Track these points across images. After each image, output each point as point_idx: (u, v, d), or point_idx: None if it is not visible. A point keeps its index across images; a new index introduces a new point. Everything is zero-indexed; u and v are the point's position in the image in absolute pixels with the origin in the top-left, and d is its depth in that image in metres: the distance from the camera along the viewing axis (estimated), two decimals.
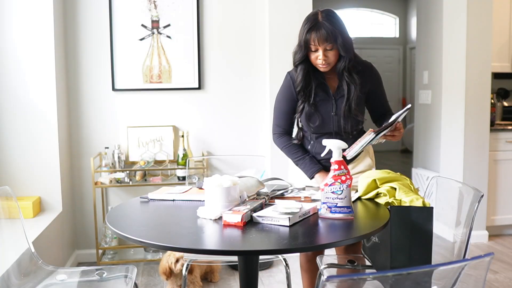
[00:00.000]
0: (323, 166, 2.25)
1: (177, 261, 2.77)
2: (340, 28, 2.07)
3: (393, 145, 9.74)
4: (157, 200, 2.02)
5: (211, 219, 1.71)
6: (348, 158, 2.00)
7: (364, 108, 2.28)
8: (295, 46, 2.16)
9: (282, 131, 2.33)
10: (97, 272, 2.07)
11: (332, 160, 1.75)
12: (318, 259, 2.21)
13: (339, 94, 2.19)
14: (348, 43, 2.10)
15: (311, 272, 2.45)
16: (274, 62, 3.53)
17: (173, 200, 2.01)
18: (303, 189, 2.18)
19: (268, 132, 3.59)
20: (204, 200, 1.84)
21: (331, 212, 1.71)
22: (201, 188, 2.08)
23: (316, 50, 2.08)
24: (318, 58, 2.08)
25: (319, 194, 1.87)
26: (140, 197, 2.05)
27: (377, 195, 1.97)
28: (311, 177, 2.26)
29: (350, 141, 2.11)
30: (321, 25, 2.03)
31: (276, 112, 2.34)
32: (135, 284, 2.00)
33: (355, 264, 2.19)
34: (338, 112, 2.18)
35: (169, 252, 2.87)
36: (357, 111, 2.17)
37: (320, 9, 2.12)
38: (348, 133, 2.23)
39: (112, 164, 3.43)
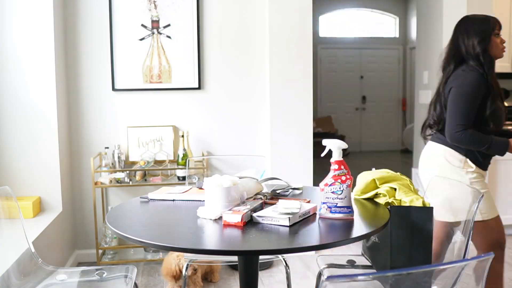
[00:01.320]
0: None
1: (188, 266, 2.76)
2: None
3: (393, 145, 9.75)
4: (157, 200, 2.02)
5: (211, 219, 1.71)
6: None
7: None
8: (478, 48, 2.43)
9: (470, 126, 2.34)
10: (97, 272, 2.07)
11: (332, 160, 1.75)
12: (318, 259, 2.21)
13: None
14: None
15: None
16: (274, 62, 3.53)
17: (173, 200, 2.01)
18: (300, 189, 2.19)
19: (268, 132, 3.59)
20: (204, 200, 1.84)
21: (331, 212, 1.71)
22: (201, 188, 2.08)
23: (499, 35, 2.35)
24: (502, 42, 2.39)
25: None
26: (140, 197, 2.05)
27: (376, 195, 1.97)
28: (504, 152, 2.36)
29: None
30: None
31: (471, 109, 2.33)
32: (135, 284, 2.00)
33: (355, 264, 2.19)
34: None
35: (175, 254, 2.87)
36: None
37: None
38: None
39: (112, 164, 3.43)
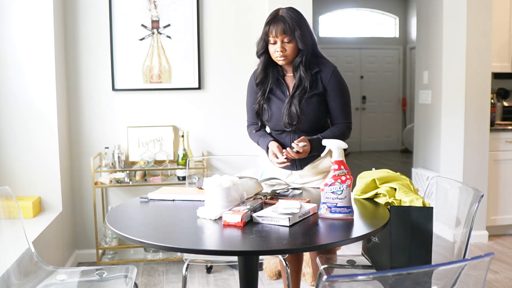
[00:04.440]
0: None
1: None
2: (299, 22, 2.14)
3: (393, 145, 9.75)
4: (157, 200, 2.02)
5: (211, 219, 1.71)
6: None
7: (319, 109, 2.22)
8: (258, 37, 2.23)
9: (250, 124, 2.42)
10: (97, 272, 2.07)
11: (332, 160, 1.75)
12: (318, 259, 2.21)
13: (294, 92, 2.21)
14: (306, 38, 2.14)
15: (296, 263, 2.52)
16: None
17: (173, 200, 2.01)
18: (300, 189, 2.19)
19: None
20: (203, 200, 1.84)
21: (331, 212, 1.71)
22: (201, 188, 2.08)
23: (275, 43, 2.14)
24: (276, 51, 2.14)
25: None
26: (140, 197, 2.05)
27: (376, 195, 1.97)
28: (267, 150, 2.27)
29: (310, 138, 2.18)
30: (280, 18, 2.13)
31: (246, 107, 2.42)
32: (135, 284, 2.00)
33: (355, 264, 2.19)
34: (291, 110, 2.18)
35: (269, 258, 3.15)
36: (300, 108, 2.16)
37: (284, 7, 2.20)
38: (308, 132, 2.23)
39: (112, 164, 3.43)
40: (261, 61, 2.24)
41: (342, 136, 2.22)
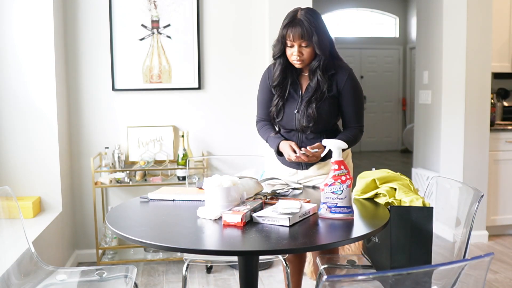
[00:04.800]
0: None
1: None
2: (317, 26, 2.10)
3: (393, 145, 9.75)
4: (157, 200, 2.02)
5: (211, 219, 1.71)
6: None
7: (332, 110, 2.22)
8: (274, 39, 2.20)
9: (260, 119, 2.40)
10: (97, 272, 2.07)
11: (332, 160, 1.75)
12: (318, 259, 2.21)
13: (307, 94, 2.21)
14: (324, 43, 2.12)
15: (297, 263, 2.52)
16: None
17: (173, 200, 2.01)
18: (300, 189, 2.19)
19: None
20: (203, 200, 1.84)
21: (331, 212, 1.71)
22: (201, 188, 2.08)
23: (292, 46, 2.12)
24: (293, 54, 2.12)
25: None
26: (140, 197, 2.05)
27: (376, 195, 1.97)
28: (276, 151, 2.27)
29: (319, 140, 2.16)
30: (298, 21, 2.08)
31: (257, 103, 2.40)
32: (135, 284, 2.00)
33: (355, 264, 2.19)
34: (308, 113, 2.18)
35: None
36: (316, 110, 2.16)
37: (302, 7, 2.15)
38: (317, 132, 2.24)
39: (112, 164, 3.43)
40: (279, 63, 2.21)
41: (354, 140, 2.25)
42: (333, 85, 2.18)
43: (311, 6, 3.49)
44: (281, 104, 2.24)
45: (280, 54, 2.18)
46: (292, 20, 2.09)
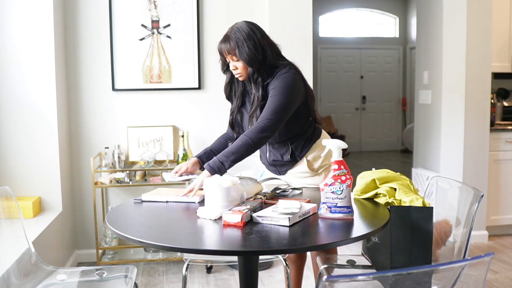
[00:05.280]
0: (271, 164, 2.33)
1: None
2: (241, 40, 2.08)
3: (393, 145, 9.75)
4: (150, 201, 2.01)
5: (211, 219, 1.71)
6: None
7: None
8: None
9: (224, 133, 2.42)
10: (97, 272, 2.07)
11: (332, 160, 1.75)
12: (318, 259, 2.21)
13: (251, 107, 2.19)
14: (250, 54, 2.07)
15: (297, 263, 2.52)
16: None
17: (166, 202, 1.99)
18: (300, 189, 2.19)
19: None
20: (195, 202, 1.85)
21: (331, 212, 1.71)
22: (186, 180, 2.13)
23: (229, 62, 2.16)
24: (231, 69, 2.17)
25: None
26: (134, 199, 2.04)
27: (376, 195, 1.97)
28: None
29: (286, 147, 2.20)
30: (227, 38, 2.12)
31: None
32: (135, 284, 2.00)
33: (355, 264, 2.19)
34: (252, 124, 2.15)
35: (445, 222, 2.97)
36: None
37: (239, 22, 2.15)
38: (278, 141, 2.22)
39: (112, 164, 3.43)
40: (226, 77, 2.27)
41: (252, 140, 2.02)
42: (267, 90, 2.13)
43: (311, 7, 3.52)
44: (233, 117, 2.29)
45: (226, 68, 2.23)
46: (224, 36, 2.14)
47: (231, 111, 2.31)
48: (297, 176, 2.28)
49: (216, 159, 2.01)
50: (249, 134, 2.03)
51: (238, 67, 2.13)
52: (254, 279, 1.80)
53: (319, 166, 2.25)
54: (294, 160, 2.24)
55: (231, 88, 2.27)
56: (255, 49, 2.08)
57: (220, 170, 1.98)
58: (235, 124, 2.32)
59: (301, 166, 2.25)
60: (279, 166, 2.30)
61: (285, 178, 2.31)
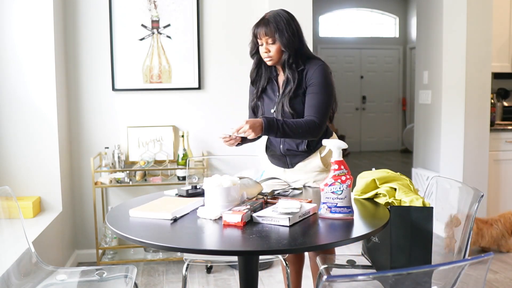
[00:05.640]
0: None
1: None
2: (282, 24, 2.16)
3: (393, 145, 9.75)
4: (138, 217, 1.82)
5: (211, 219, 1.71)
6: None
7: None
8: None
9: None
10: (97, 272, 2.07)
11: (332, 160, 1.75)
12: (318, 259, 2.21)
13: (283, 92, 2.24)
14: (289, 40, 2.17)
15: (297, 263, 2.53)
16: None
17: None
18: (300, 189, 2.19)
19: None
20: (170, 219, 1.73)
21: (331, 212, 1.71)
22: (182, 196, 2.04)
23: (262, 44, 2.20)
24: (262, 52, 2.20)
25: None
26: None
27: (376, 195, 1.97)
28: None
29: (295, 140, 2.21)
30: (265, 21, 2.18)
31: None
32: (135, 284, 2.00)
33: (355, 264, 2.19)
34: (283, 110, 2.21)
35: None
36: (289, 107, 2.18)
37: (278, 9, 2.24)
38: None
39: (112, 164, 3.43)
40: (254, 61, 2.32)
41: (307, 129, 2.10)
42: (303, 81, 2.20)
43: (311, 7, 3.52)
44: (257, 100, 2.32)
45: (254, 52, 2.27)
46: (262, 19, 2.20)
47: (253, 96, 2.35)
48: (306, 170, 2.28)
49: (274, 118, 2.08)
50: (305, 121, 2.12)
51: (271, 50, 2.18)
52: (254, 279, 1.80)
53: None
54: (308, 152, 2.25)
55: (258, 72, 2.32)
56: (293, 35, 2.18)
57: (271, 125, 2.03)
58: (256, 111, 2.36)
59: (314, 160, 2.26)
60: (291, 157, 2.29)
61: (292, 172, 2.30)
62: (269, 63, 2.22)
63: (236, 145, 2.17)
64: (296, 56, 2.19)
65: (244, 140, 2.19)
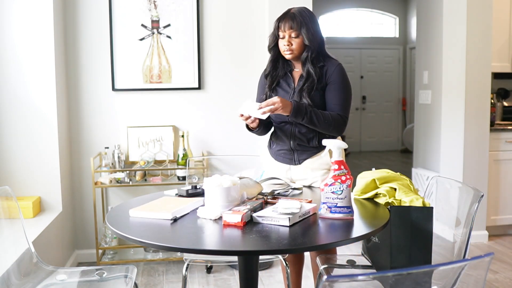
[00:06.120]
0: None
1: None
2: (307, 21, 2.22)
3: (393, 145, 9.75)
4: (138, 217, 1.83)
5: (211, 219, 1.71)
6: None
7: (323, 103, 2.27)
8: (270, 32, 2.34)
9: None
10: (97, 272, 2.07)
11: (332, 160, 1.75)
12: (318, 259, 2.21)
13: (299, 85, 2.26)
14: (313, 36, 2.22)
15: (297, 263, 2.53)
16: None
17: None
18: (300, 189, 2.19)
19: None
20: (170, 219, 1.72)
21: (331, 212, 1.71)
22: (182, 196, 2.05)
23: (284, 38, 2.23)
24: (284, 44, 2.23)
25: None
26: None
27: (376, 195, 1.97)
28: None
29: (312, 133, 2.24)
30: (290, 14, 2.23)
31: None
32: (135, 284, 2.00)
33: (355, 264, 2.19)
34: (302, 102, 2.22)
35: None
36: (313, 100, 2.21)
37: (300, 6, 2.30)
38: (299, 127, 2.26)
39: (112, 164, 3.43)
40: (272, 55, 2.35)
41: (333, 122, 2.19)
42: (322, 77, 2.25)
43: (311, 7, 3.52)
44: (270, 93, 2.32)
45: (273, 45, 2.30)
46: (286, 13, 2.26)
47: (266, 88, 2.36)
48: (313, 167, 2.28)
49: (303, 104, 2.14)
50: (332, 115, 2.18)
51: (294, 43, 2.21)
52: (254, 279, 1.80)
53: None
54: (318, 148, 2.26)
55: (275, 65, 2.35)
56: (316, 32, 2.24)
57: (300, 108, 2.11)
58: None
59: (322, 157, 2.26)
60: (299, 153, 2.29)
61: (298, 169, 2.30)
62: (288, 56, 2.26)
63: (251, 130, 2.26)
64: (318, 53, 2.25)
65: (259, 126, 2.25)
